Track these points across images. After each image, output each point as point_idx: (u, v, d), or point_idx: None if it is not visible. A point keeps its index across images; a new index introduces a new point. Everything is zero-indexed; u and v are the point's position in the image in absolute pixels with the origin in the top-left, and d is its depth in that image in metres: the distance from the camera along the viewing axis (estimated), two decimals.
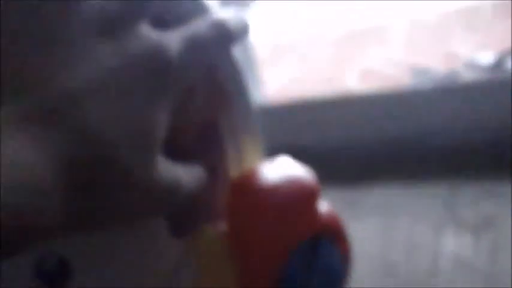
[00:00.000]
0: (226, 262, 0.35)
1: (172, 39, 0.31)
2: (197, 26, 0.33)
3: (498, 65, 1.17)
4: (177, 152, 0.32)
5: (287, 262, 0.35)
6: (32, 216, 0.25)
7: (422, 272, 1.03)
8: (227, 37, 0.35)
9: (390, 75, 1.29)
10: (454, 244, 1.07)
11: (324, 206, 0.38)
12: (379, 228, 1.15)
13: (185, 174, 0.32)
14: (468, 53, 1.21)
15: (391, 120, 1.35)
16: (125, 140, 0.28)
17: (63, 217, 0.27)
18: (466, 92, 1.13)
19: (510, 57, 1.14)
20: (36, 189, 0.26)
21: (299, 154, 0.49)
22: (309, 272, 0.36)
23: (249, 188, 0.36)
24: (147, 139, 0.29)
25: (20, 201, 0.25)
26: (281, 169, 0.38)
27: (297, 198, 0.36)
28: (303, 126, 1.20)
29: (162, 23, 0.32)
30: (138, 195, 0.29)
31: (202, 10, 0.34)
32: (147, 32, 0.30)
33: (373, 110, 1.21)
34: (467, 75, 1.20)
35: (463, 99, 1.14)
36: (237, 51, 0.37)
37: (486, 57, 1.18)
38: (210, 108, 0.37)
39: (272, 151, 0.42)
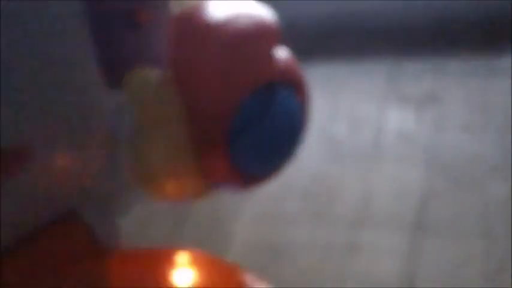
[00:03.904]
0: (171, 109, 0.30)
1: None
2: None
3: None
4: None
5: (240, 107, 0.30)
6: None
7: (365, 145, 1.01)
8: None
9: None
10: (396, 119, 1.05)
11: (283, 52, 0.34)
12: (322, 103, 1.12)
13: None
14: None
15: None
16: None
17: None
18: None
19: None
20: None
21: None
22: (265, 119, 0.31)
23: (194, 24, 0.31)
24: None
25: None
26: (233, 5, 0.32)
27: (252, 36, 0.31)
28: None
29: None
30: None
31: None
32: None
33: None
34: None
35: None
36: None
37: None
38: None
39: None
